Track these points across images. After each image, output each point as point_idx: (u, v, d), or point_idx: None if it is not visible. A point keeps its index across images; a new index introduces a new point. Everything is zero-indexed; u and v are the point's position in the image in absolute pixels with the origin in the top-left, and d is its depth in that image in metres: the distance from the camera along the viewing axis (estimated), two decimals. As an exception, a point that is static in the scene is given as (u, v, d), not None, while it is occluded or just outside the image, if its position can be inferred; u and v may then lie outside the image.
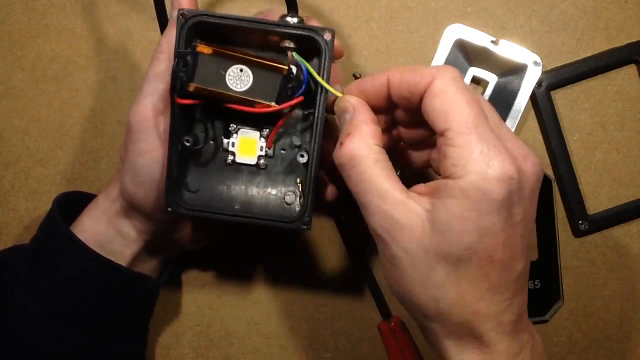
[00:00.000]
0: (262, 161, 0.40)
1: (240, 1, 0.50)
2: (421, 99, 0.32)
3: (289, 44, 0.36)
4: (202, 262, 0.51)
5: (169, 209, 0.37)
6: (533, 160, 0.32)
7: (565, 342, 0.52)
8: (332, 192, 0.42)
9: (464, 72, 0.50)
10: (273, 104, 0.36)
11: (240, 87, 0.35)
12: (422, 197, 0.32)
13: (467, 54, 0.50)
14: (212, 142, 0.40)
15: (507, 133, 0.33)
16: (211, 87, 0.35)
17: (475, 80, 0.51)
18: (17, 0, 0.50)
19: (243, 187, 0.40)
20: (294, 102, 0.36)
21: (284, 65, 0.35)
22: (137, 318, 0.44)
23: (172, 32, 0.37)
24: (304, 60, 0.36)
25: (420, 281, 0.31)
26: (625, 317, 0.52)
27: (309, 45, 0.36)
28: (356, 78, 0.50)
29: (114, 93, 0.50)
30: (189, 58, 0.34)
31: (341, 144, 0.33)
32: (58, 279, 0.40)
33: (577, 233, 0.51)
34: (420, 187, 0.33)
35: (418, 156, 0.39)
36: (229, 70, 0.35)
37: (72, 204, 0.43)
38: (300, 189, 0.40)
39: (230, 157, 0.39)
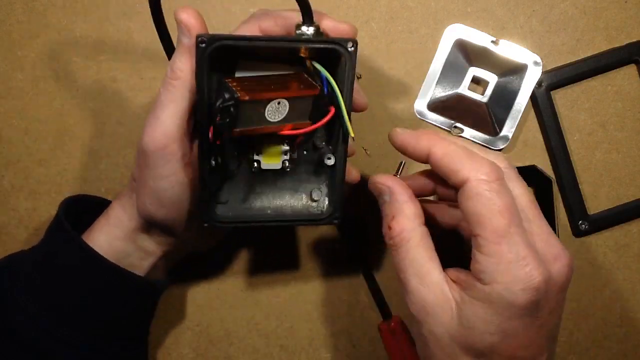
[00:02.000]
0: (286, 164, 0.40)
1: None
2: (457, 187, 0.34)
3: (305, 52, 0.36)
4: (202, 262, 0.51)
5: (206, 225, 0.38)
6: (563, 262, 0.34)
7: (565, 342, 0.52)
8: (355, 175, 0.43)
9: (464, 72, 0.50)
10: (308, 122, 0.37)
11: (278, 117, 0.36)
12: (455, 285, 0.34)
13: (467, 54, 0.50)
14: (236, 153, 0.40)
15: (542, 231, 0.34)
16: (253, 127, 0.35)
17: (475, 80, 0.51)
18: (17, 0, 0.50)
19: (270, 191, 0.41)
20: (327, 118, 0.37)
21: (315, 88, 0.36)
22: (138, 318, 0.44)
23: (184, 58, 0.36)
24: (325, 71, 0.36)
25: None
26: (625, 317, 0.52)
27: (329, 53, 0.36)
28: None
29: (114, 93, 0.50)
30: (231, 110, 0.34)
31: (389, 227, 0.36)
32: (59, 279, 0.40)
33: (577, 233, 0.51)
34: (453, 272, 0.35)
35: (450, 214, 0.40)
36: (267, 107, 0.35)
37: (76, 206, 0.43)
38: (327, 186, 0.41)
39: (255, 165, 0.40)
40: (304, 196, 0.41)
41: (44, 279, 0.40)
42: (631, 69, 0.51)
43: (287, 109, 0.36)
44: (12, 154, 0.51)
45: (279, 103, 0.35)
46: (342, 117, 0.36)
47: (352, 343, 0.52)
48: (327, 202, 0.40)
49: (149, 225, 0.41)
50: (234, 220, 0.39)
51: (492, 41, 0.50)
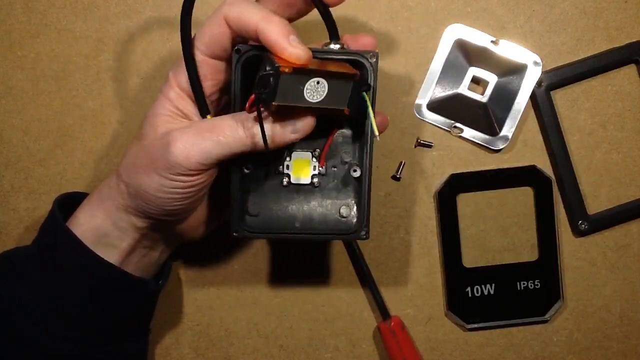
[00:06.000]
0: (315, 180, 0.42)
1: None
2: None
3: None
4: (202, 261, 0.51)
5: (235, 234, 0.40)
6: None
7: (565, 342, 0.52)
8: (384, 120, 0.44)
9: (463, 72, 0.50)
10: (345, 108, 0.38)
11: (317, 98, 0.37)
12: None
13: (467, 54, 0.50)
14: (266, 167, 0.42)
15: None
16: (291, 103, 0.36)
17: (475, 80, 0.51)
18: (17, 0, 0.50)
19: (300, 205, 0.42)
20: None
21: (355, 71, 0.37)
22: (137, 318, 0.44)
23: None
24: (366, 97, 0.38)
25: None
26: (625, 317, 0.52)
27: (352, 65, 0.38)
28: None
29: (114, 93, 0.50)
30: (271, 79, 0.34)
31: None
32: (61, 280, 0.40)
33: (577, 233, 0.51)
34: None
35: None
36: (306, 85, 0.36)
37: (75, 204, 0.43)
38: (355, 202, 0.42)
39: (286, 179, 0.41)
40: (332, 211, 0.42)
41: (47, 278, 0.40)
42: (631, 69, 0.51)
43: (326, 90, 0.36)
44: (12, 154, 0.51)
45: (318, 82, 0.36)
46: (368, 116, 0.38)
47: (352, 343, 0.51)
48: (356, 218, 0.41)
49: (134, 209, 0.40)
50: (263, 231, 0.41)
51: (492, 41, 0.50)
